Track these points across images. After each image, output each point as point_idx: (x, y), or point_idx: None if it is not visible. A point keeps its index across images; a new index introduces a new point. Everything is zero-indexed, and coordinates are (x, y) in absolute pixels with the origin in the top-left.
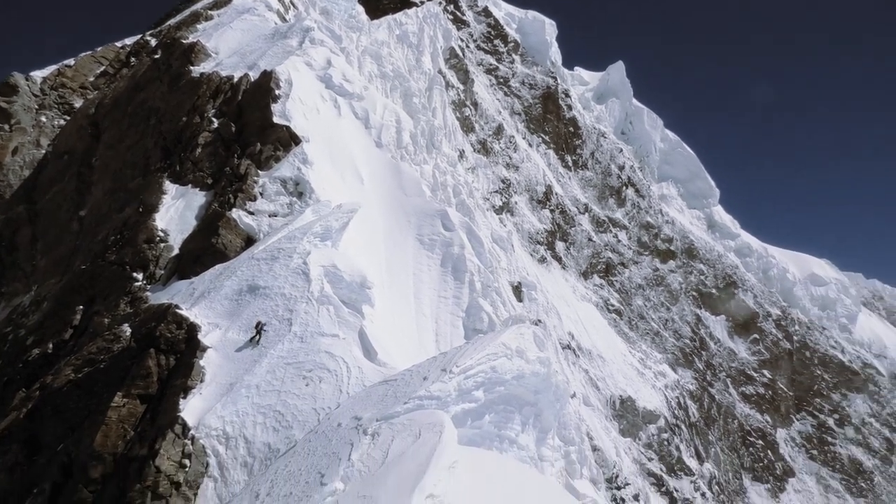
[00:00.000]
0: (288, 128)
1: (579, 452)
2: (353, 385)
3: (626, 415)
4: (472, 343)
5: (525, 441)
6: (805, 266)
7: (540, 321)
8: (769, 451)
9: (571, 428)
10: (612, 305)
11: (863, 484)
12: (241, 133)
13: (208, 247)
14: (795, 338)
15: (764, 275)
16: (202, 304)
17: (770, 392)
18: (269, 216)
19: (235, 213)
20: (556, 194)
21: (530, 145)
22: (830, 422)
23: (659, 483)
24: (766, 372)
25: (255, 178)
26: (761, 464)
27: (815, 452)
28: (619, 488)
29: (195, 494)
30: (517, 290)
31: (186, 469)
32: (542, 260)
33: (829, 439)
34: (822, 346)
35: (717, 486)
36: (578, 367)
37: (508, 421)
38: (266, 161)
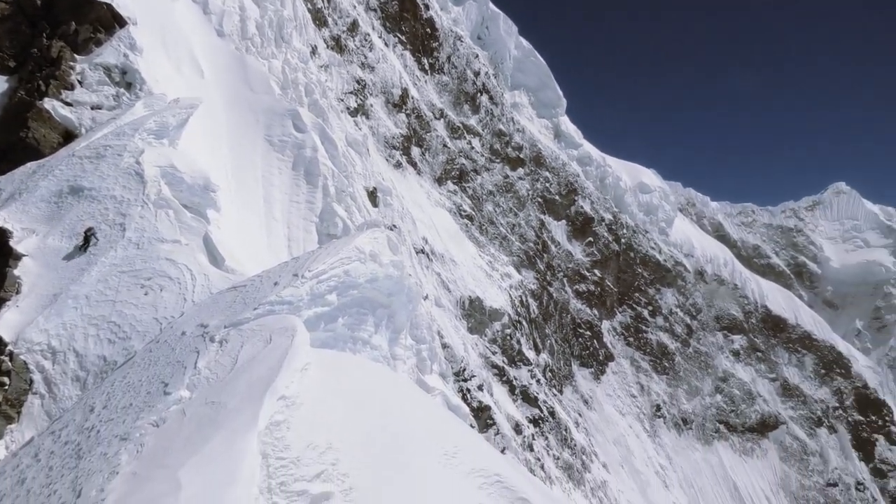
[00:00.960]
0: (110, 6)
1: (430, 350)
2: (198, 293)
3: (474, 314)
4: (326, 248)
5: (378, 341)
6: (635, 175)
7: (395, 226)
8: (595, 341)
9: (423, 328)
10: (465, 211)
11: (666, 364)
12: (49, 9)
13: (16, 141)
14: (623, 240)
15: (601, 182)
16: (12, 206)
17: (599, 289)
18: (92, 108)
19: (49, 104)
20: (413, 98)
21: (387, 45)
22: (645, 313)
23: (500, 373)
24: (596, 271)
25: (72, 64)
26: (588, 351)
27: (631, 339)
28: (465, 381)
29: (19, 413)
30: (372, 195)
31: (6, 387)
32: (398, 165)
33: (643, 328)
34: (644, 247)
35: (550, 373)
36: (431, 270)
37: (362, 323)
38: (84, 44)
